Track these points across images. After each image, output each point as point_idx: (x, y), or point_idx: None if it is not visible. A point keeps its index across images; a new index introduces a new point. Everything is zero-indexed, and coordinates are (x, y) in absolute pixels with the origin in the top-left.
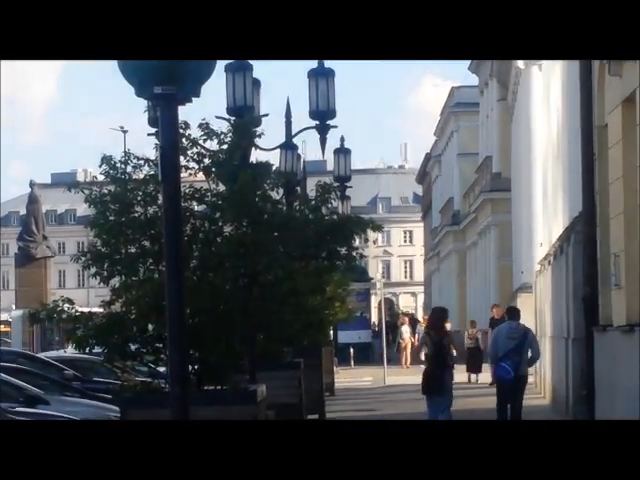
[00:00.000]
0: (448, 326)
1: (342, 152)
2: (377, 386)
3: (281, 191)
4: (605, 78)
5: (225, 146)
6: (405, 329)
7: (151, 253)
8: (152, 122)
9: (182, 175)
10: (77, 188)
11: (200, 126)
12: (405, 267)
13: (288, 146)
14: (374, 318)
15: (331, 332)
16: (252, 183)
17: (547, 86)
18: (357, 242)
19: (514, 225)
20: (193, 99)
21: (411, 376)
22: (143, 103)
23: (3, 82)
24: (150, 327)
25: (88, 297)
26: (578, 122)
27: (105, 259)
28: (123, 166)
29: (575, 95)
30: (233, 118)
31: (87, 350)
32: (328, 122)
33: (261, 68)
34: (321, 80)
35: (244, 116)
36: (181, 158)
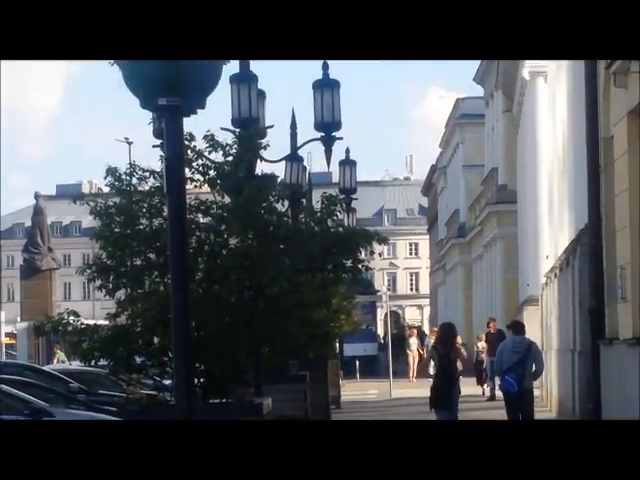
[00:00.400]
0: (459, 340)
1: (347, 164)
2: (383, 399)
3: (286, 203)
4: (611, 90)
5: (230, 158)
6: (413, 341)
7: (156, 265)
8: (157, 134)
9: (187, 187)
10: (82, 200)
11: (205, 138)
12: (411, 280)
13: (293, 158)
14: (380, 331)
15: (337, 345)
16: (257, 195)
17: (553, 97)
18: (363, 254)
19: (520, 237)
20: (198, 111)
21: (417, 389)
22: (148, 115)
23: (7, 93)
24: (155, 340)
25: (93, 309)
26: (584, 134)
27: (110, 271)
28: (128, 178)
29: (581, 107)
30: (238, 130)
31: (92, 363)
32: (333, 134)
33: (266, 79)
34: (326, 91)
35: (249, 128)
36: (186, 170)
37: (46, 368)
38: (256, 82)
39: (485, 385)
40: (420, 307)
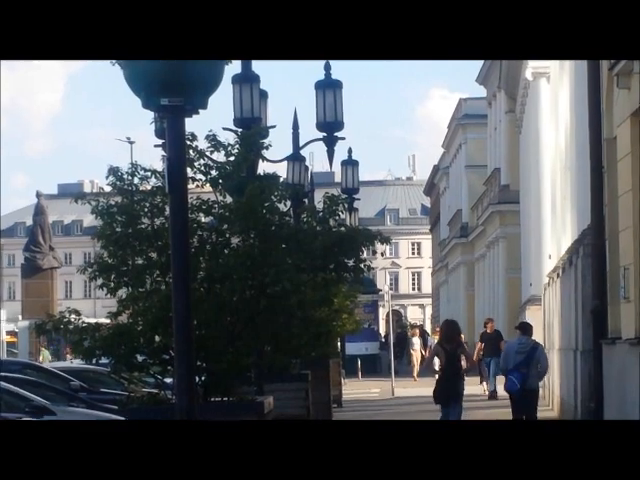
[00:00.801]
0: (462, 338)
1: (350, 164)
2: (385, 398)
3: (289, 203)
4: (614, 91)
5: (232, 158)
6: (416, 341)
7: (158, 265)
8: (159, 134)
9: (189, 187)
10: (84, 199)
11: (207, 138)
12: (413, 279)
13: (295, 158)
14: (382, 330)
15: (339, 344)
16: (259, 195)
17: (555, 98)
18: (365, 254)
19: (523, 237)
20: (200, 111)
21: (419, 388)
22: (150, 114)
23: (9, 92)
24: (157, 338)
25: (95, 308)
26: (587, 134)
27: (112, 270)
28: (130, 177)
29: (584, 107)
30: (240, 130)
31: (94, 361)
32: (336, 134)
33: (268, 79)
34: (328, 92)
35: (251, 128)
36: (188, 170)
37: (47, 366)
38: (258, 82)
39: (484, 383)
40: (422, 306)
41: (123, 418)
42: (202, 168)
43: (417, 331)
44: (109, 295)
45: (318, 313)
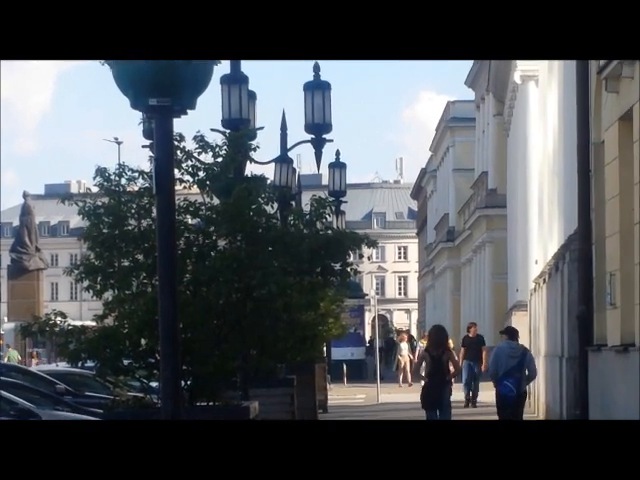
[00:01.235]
0: (450, 343)
1: (337, 166)
2: (370, 404)
3: (276, 205)
4: (602, 95)
5: (220, 159)
6: (404, 346)
7: (144, 267)
8: (147, 134)
9: (176, 188)
10: (71, 200)
11: (195, 139)
12: (399, 283)
13: (283, 160)
14: (368, 335)
15: (324, 348)
16: (247, 197)
17: (544, 102)
18: (351, 257)
19: (509, 242)
20: (188, 111)
21: (404, 394)
22: (138, 115)
23: None
24: (143, 342)
25: (81, 310)
26: (575, 139)
27: (98, 272)
28: (117, 178)
29: (572, 111)
30: (228, 131)
31: (79, 364)
32: (324, 136)
33: (257, 81)
34: (317, 93)
35: (239, 129)
36: (175, 171)
37: (33, 369)
38: (247, 83)
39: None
40: (408, 311)
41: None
42: (190, 169)
43: (405, 336)
44: (95, 297)
45: (304, 317)
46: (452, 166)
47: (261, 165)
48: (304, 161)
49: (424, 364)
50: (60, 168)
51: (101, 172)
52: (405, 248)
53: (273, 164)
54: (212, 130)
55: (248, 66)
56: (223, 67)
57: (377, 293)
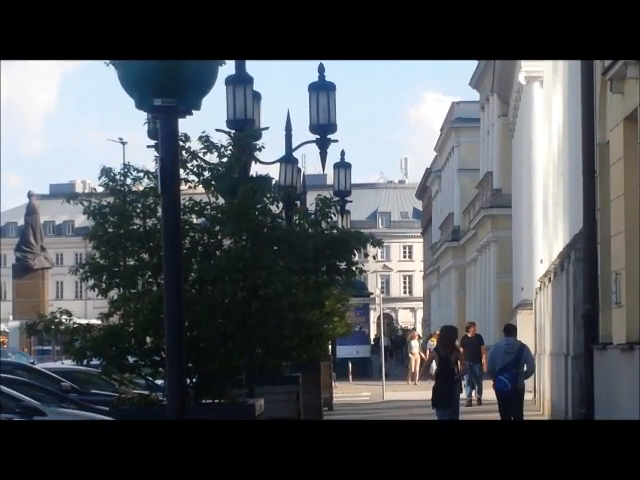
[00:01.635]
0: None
1: (342, 166)
2: (375, 401)
3: (281, 205)
4: (607, 95)
5: (225, 159)
6: (414, 344)
7: (150, 266)
8: (152, 134)
9: (182, 188)
10: (76, 199)
11: (200, 139)
12: (404, 282)
13: (288, 160)
14: (373, 333)
15: (330, 347)
16: (252, 197)
17: (548, 102)
18: (356, 257)
19: (514, 242)
20: (193, 112)
21: (410, 392)
22: (143, 115)
23: (2, 92)
24: (148, 340)
25: (86, 309)
26: (579, 139)
27: (103, 271)
28: (122, 178)
29: (577, 112)
30: (233, 131)
31: (85, 362)
32: (329, 136)
33: (262, 81)
34: (322, 94)
35: (244, 129)
36: (181, 171)
37: (38, 367)
38: (252, 84)
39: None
40: (413, 310)
41: (114, 419)
42: (195, 169)
43: (415, 334)
44: (100, 296)
45: (309, 315)
46: (457, 166)
47: (266, 165)
48: (309, 161)
49: (434, 363)
50: (65, 168)
51: (106, 172)
52: (410, 247)
53: (278, 164)
54: (217, 130)
55: (253, 66)
56: (228, 68)
57: (382, 292)
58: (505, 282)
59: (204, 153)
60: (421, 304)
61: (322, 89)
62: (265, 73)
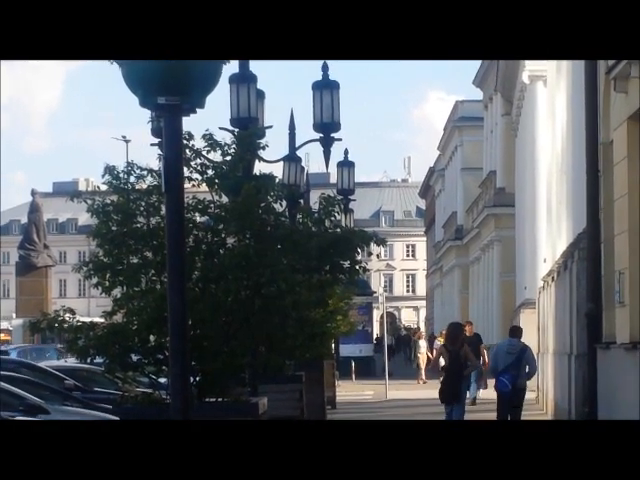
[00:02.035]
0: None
1: (346, 165)
2: (379, 400)
3: (284, 203)
4: (611, 95)
5: (229, 157)
6: (422, 343)
7: (153, 264)
8: (155, 132)
9: (185, 186)
10: (79, 197)
11: (204, 137)
12: (407, 281)
13: (292, 158)
14: (376, 332)
15: (333, 345)
16: (255, 195)
17: (552, 102)
18: (360, 255)
19: (518, 241)
20: (197, 110)
21: (413, 390)
22: (146, 113)
23: (6, 90)
24: (152, 338)
25: (89, 307)
26: (583, 138)
27: (107, 269)
28: (126, 176)
29: (580, 111)
30: (237, 129)
31: (88, 360)
32: (332, 135)
33: (265, 80)
34: (325, 93)
35: (248, 128)
36: (184, 169)
37: (42, 365)
38: (255, 82)
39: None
40: (416, 309)
41: (117, 418)
42: (198, 167)
43: (422, 334)
44: (104, 294)
45: (313, 314)
46: (460, 165)
47: (270, 163)
48: (313, 160)
49: (442, 359)
50: (68, 166)
51: (110, 170)
52: (413, 246)
53: (282, 162)
54: (221, 129)
55: (257, 65)
56: (232, 66)
57: (385, 291)
58: (508, 281)
59: (208, 151)
60: (424, 303)
61: (326, 88)
62: (269, 71)
